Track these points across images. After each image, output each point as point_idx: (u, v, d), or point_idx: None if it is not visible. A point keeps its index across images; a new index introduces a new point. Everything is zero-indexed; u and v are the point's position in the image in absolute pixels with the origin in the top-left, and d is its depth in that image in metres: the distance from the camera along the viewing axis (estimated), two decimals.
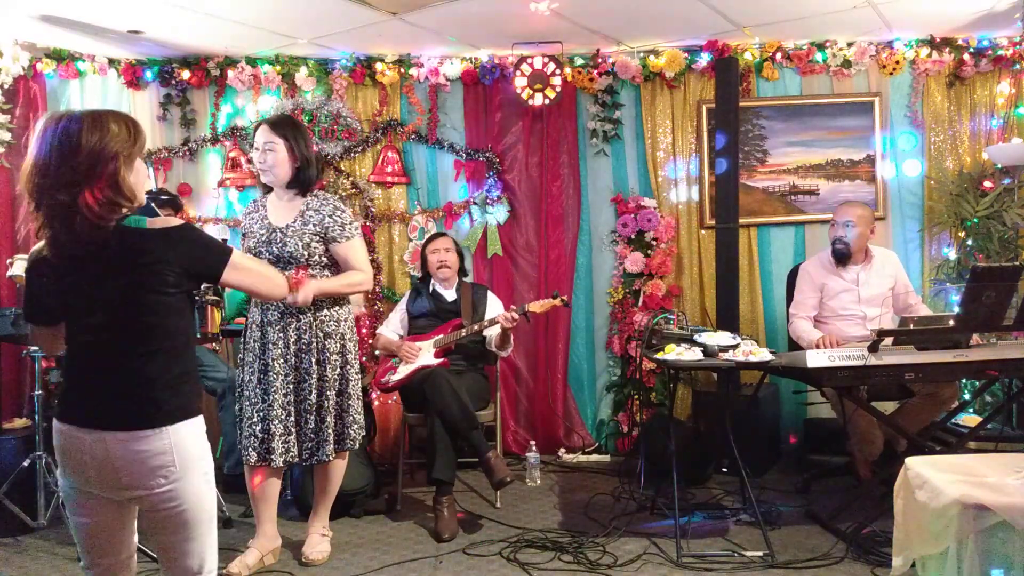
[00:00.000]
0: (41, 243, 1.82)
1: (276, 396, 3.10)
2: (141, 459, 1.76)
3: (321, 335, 3.16)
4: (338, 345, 3.20)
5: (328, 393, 3.17)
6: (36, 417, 3.65)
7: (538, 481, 4.35)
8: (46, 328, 1.92)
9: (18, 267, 3.68)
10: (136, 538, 1.97)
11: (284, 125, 3.16)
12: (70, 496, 1.86)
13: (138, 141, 1.84)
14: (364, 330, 4.77)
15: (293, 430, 3.13)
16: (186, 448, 1.81)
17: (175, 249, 1.81)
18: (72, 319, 1.86)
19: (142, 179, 1.88)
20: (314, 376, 3.14)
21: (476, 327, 4.03)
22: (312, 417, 3.15)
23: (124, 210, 1.79)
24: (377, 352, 4.26)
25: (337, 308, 3.22)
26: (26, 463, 3.61)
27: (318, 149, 4.66)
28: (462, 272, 4.36)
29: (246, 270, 1.97)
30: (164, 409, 1.79)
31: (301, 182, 3.16)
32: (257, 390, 3.13)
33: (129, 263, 1.78)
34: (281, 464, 3.13)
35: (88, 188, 1.73)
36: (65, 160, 1.73)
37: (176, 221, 1.87)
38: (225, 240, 3.06)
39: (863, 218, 3.94)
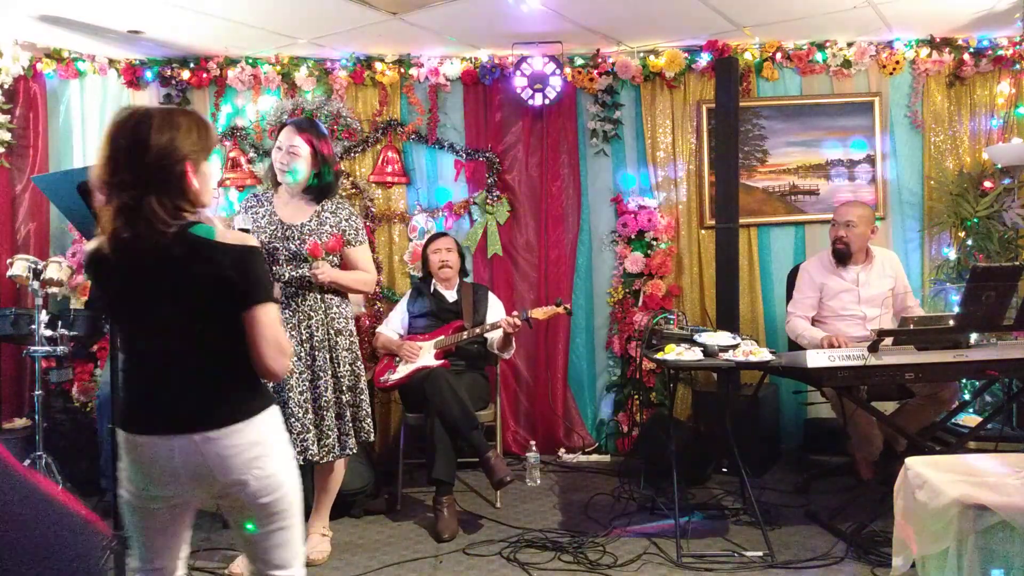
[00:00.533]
0: (98, 240, 1.77)
1: (291, 394, 3.11)
2: (235, 453, 1.75)
3: (333, 332, 3.21)
4: (348, 341, 3.26)
5: (343, 388, 3.21)
6: (36, 417, 3.64)
7: (538, 481, 4.35)
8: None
9: (18, 267, 3.68)
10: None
11: (310, 130, 3.18)
12: (136, 507, 1.83)
13: (208, 142, 1.80)
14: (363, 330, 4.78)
15: (312, 428, 3.14)
16: (273, 434, 1.83)
17: (239, 268, 1.74)
18: (134, 322, 1.82)
19: (209, 182, 1.83)
20: (329, 373, 3.18)
21: (478, 330, 4.03)
22: (329, 414, 3.17)
23: (187, 215, 1.75)
24: (380, 352, 4.26)
25: (345, 306, 3.29)
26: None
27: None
28: (463, 272, 4.37)
29: (275, 322, 1.82)
30: (249, 401, 1.80)
31: (318, 189, 3.20)
32: (269, 387, 3.13)
33: (193, 270, 1.73)
34: (301, 463, 3.13)
35: (154, 190, 1.70)
36: (132, 159, 1.70)
37: (251, 241, 1.83)
38: (249, 230, 3.08)
39: (863, 218, 3.94)
